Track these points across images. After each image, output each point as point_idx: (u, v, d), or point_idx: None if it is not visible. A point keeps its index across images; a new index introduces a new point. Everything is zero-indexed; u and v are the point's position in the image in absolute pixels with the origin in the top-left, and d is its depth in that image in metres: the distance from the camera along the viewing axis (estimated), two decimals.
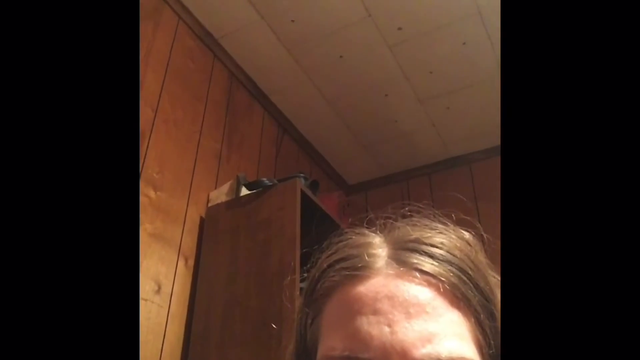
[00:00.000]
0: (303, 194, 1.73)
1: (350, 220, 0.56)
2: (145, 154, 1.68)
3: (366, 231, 0.53)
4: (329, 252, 0.52)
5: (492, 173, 2.45)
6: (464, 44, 2.13)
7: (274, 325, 1.40)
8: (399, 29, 2.07)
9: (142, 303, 1.52)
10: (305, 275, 0.55)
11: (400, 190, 2.80)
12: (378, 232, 0.53)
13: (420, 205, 0.55)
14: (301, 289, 1.52)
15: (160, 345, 1.54)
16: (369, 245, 0.50)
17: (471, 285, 0.46)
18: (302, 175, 1.87)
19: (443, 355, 0.41)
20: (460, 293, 0.45)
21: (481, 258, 0.50)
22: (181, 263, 1.71)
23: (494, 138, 2.53)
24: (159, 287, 1.60)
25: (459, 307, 0.45)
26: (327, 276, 0.49)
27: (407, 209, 0.55)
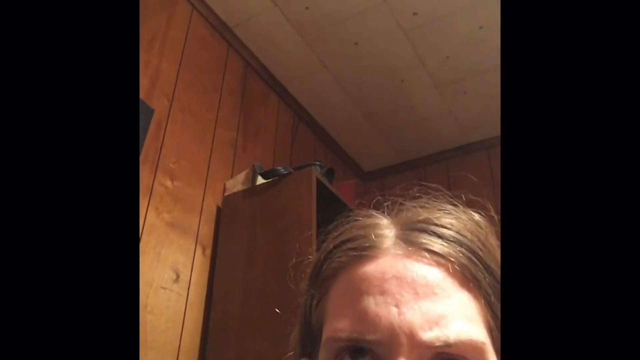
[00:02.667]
0: (319, 182, 1.73)
1: (357, 201, 0.55)
2: (162, 144, 1.68)
3: (374, 213, 0.52)
4: (336, 234, 0.51)
5: None
6: (480, 27, 2.10)
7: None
8: (415, 14, 2.05)
9: (161, 291, 1.54)
10: (309, 257, 0.54)
11: (417, 176, 2.78)
12: (386, 213, 0.51)
13: (430, 186, 0.54)
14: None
15: (180, 333, 1.56)
16: (377, 225, 0.49)
17: (481, 266, 0.45)
18: (317, 163, 1.87)
19: (451, 338, 0.40)
20: (470, 274, 0.44)
21: (492, 240, 0.48)
22: (199, 252, 1.72)
23: None
24: (178, 276, 1.61)
25: (468, 288, 0.43)
26: (334, 257, 0.48)
27: (415, 189, 0.54)
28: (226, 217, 1.82)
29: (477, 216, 0.50)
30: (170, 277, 1.59)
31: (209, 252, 1.76)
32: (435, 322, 0.40)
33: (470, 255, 0.45)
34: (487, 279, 0.45)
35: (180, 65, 1.85)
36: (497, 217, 0.51)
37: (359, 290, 0.43)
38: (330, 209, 1.68)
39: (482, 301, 0.44)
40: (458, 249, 0.45)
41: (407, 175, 2.81)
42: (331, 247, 0.49)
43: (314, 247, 1.53)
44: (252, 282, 1.62)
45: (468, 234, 0.47)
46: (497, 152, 2.60)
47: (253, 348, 1.52)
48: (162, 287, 1.55)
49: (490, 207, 0.52)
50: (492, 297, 0.44)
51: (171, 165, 1.70)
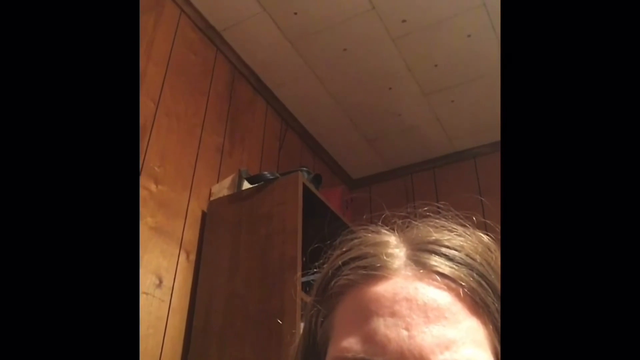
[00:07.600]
0: (305, 188, 1.72)
1: (365, 216, 0.54)
2: (147, 147, 1.66)
3: (381, 229, 0.51)
4: (343, 250, 0.50)
5: (497, 167, 2.41)
6: (468, 36, 2.11)
7: (279, 321, 1.39)
8: (403, 21, 2.05)
9: (143, 297, 1.51)
10: (315, 270, 0.53)
11: (404, 184, 2.78)
12: (393, 230, 0.51)
13: (439, 205, 0.53)
14: (303, 283, 1.50)
15: (161, 340, 1.54)
16: (386, 244, 0.48)
17: (490, 291, 0.45)
18: (304, 169, 1.86)
19: None
20: (480, 299, 0.44)
21: (500, 263, 0.48)
22: (182, 257, 1.70)
23: (499, 132, 2.50)
24: (160, 281, 1.59)
25: (477, 314, 0.43)
26: (342, 274, 0.47)
27: (426, 208, 0.54)
28: (211, 222, 1.80)
29: (485, 238, 0.50)
30: (152, 283, 1.56)
31: (192, 257, 1.74)
32: (446, 347, 0.40)
33: (479, 279, 0.45)
34: (495, 304, 0.44)
35: (167, 68, 1.84)
36: (486, 224, 0.51)
37: (369, 311, 0.43)
38: (316, 216, 1.67)
39: (490, 327, 0.43)
40: (468, 272, 0.45)
41: (394, 183, 2.81)
42: (339, 263, 0.48)
43: (299, 253, 1.52)
44: (236, 288, 1.60)
45: (478, 257, 0.47)
46: (484, 160, 2.61)
47: (236, 356, 1.50)
48: (144, 293, 1.53)
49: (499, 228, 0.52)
50: (500, 323, 0.44)
51: (156, 169, 1.68)
